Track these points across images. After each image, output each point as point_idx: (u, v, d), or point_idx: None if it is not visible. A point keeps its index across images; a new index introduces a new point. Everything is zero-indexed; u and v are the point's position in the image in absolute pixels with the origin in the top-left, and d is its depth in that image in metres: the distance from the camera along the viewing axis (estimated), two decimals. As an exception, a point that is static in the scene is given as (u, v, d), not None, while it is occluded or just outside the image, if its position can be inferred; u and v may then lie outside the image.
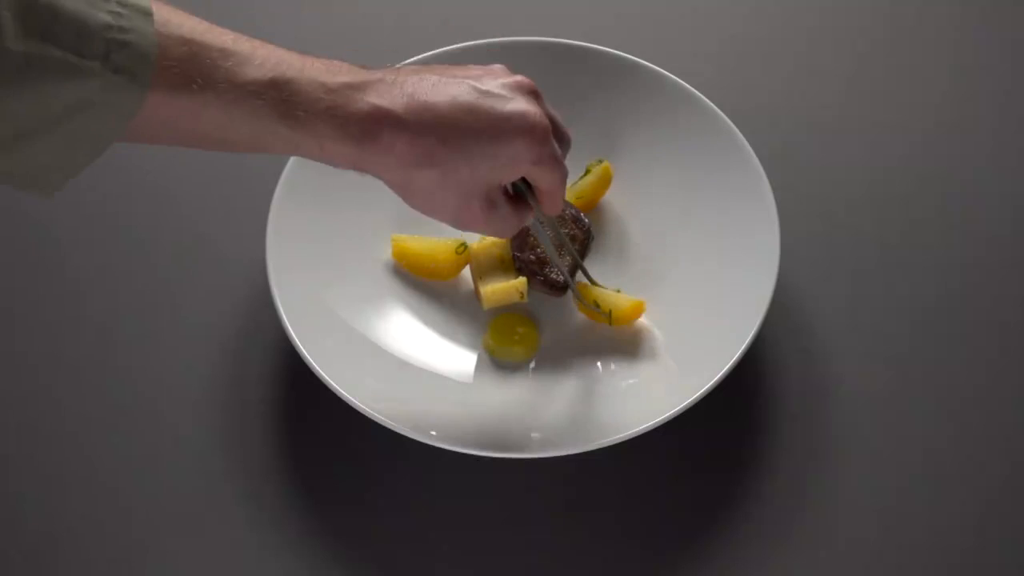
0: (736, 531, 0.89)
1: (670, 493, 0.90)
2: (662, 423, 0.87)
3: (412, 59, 1.03)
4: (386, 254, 0.99)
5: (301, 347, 0.90)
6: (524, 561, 0.88)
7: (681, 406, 0.87)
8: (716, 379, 0.88)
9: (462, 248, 0.98)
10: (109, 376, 0.96)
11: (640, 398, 0.91)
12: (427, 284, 0.99)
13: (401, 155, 0.76)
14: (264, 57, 0.74)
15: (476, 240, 0.99)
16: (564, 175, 0.83)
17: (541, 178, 0.81)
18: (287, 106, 0.74)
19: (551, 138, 0.80)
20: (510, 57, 1.04)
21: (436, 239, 0.99)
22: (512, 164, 0.79)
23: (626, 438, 0.86)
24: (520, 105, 0.79)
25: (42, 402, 0.95)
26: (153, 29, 0.69)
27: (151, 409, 0.94)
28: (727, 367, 0.88)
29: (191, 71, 0.71)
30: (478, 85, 0.79)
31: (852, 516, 0.90)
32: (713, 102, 1.01)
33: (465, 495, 0.91)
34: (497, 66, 0.82)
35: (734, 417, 0.93)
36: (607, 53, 1.04)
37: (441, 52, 1.04)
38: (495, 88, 0.79)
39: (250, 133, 0.74)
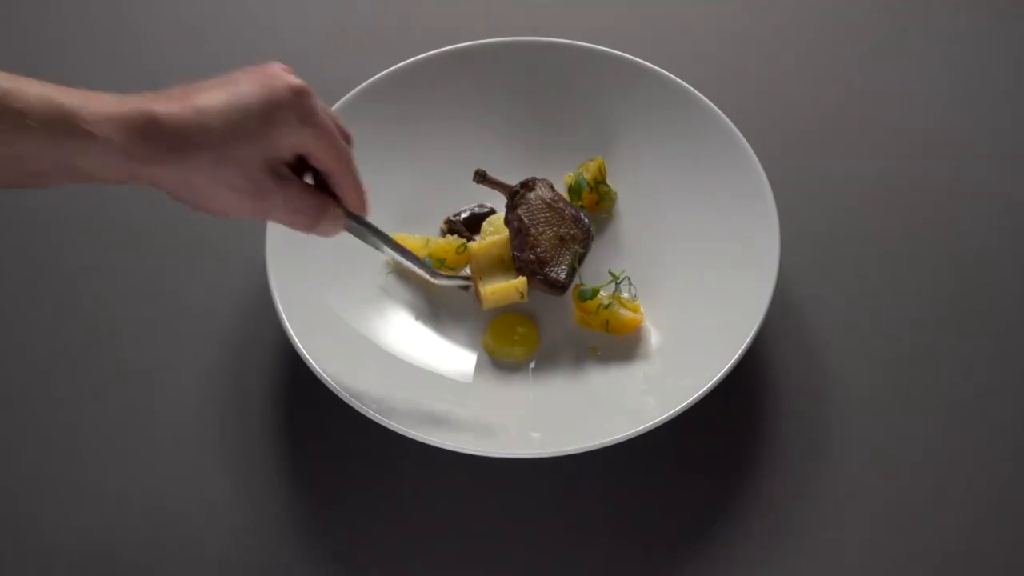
0: (735, 531, 0.89)
1: (670, 493, 0.90)
2: (662, 423, 0.87)
3: (410, 59, 1.03)
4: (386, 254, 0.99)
5: (301, 347, 0.89)
6: (524, 561, 0.88)
7: (681, 406, 0.87)
8: (716, 379, 0.88)
9: (462, 248, 0.98)
10: (108, 375, 0.96)
11: (640, 398, 0.91)
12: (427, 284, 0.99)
13: (170, 147, 0.75)
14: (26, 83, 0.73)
15: (476, 241, 0.99)
16: (342, 151, 0.82)
17: (316, 148, 0.81)
18: (31, 106, 0.72)
19: (313, 98, 0.80)
20: (510, 57, 1.05)
21: (436, 239, 0.99)
22: (278, 127, 0.78)
23: (626, 438, 0.86)
24: (275, 74, 0.79)
25: (40, 400, 0.95)
26: None
27: (151, 408, 0.94)
28: (727, 367, 0.88)
29: None
30: (230, 74, 0.79)
31: (852, 516, 0.90)
32: (713, 102, 1.01)
33: (465, 495, 0.91)
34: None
35: (734, 417, 0.93)
36: (607, 53, 1.04)
37: (441, 52, 1.04)
38: (249, 71, 0.79)
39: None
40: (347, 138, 0.85)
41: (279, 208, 0.81)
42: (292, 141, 0.80)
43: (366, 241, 0.89)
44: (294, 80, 0.79)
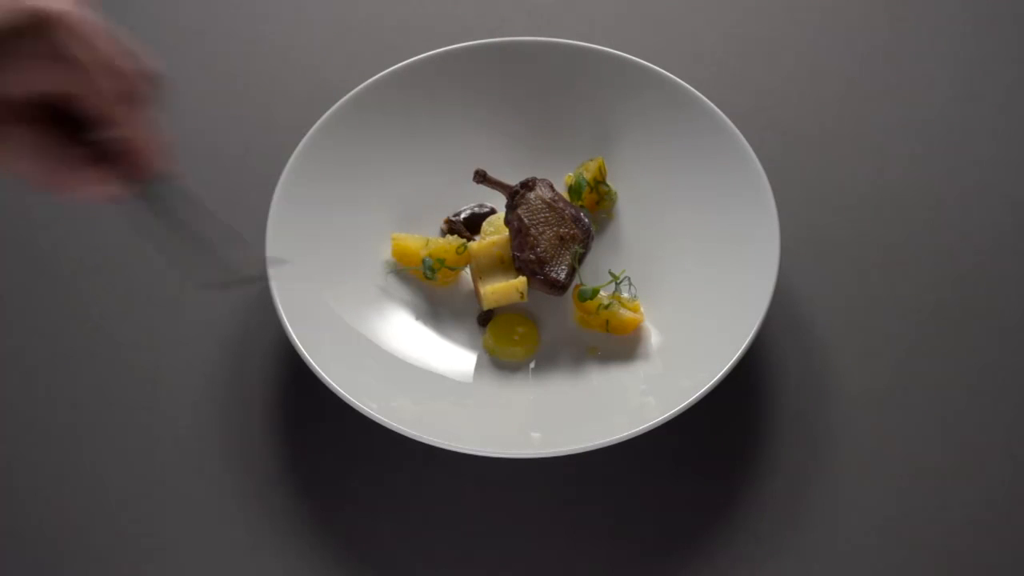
0: (735, 531, 0.89)
1: (670, 493, 0.90)
2: (662, 423, 0.87)
3: (410, 59, 1.03)
4: (386, 254, 0.99)
5: (301, 347, 0.90)
6: (523, 561, 0.88)
7: (681, 406, 0.87)
8: (716, 379, 0.88)
9: (462, 248, 0.98)
10: (109, 376, 0.96)
11: (640, 398, 0.91)
12: (427, 284, 0.99)
13: None
14: None
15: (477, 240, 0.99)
16: (112, 91, 0.63)
17: (71, 88, 0.61)
18: None
19: (71, 28, 0.62)
20: (510, 57, 1.05)
21: (436, 239, 0.99)
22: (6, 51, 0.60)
23: (626, 438, 0.86)
24: None
25: (41, 401, 0.95)
26: None
27: (151, 409, 0.94)
28: (727, 367, 0.88)
29: None
30: None
31: (852, 516, 0.90)
32: (713, 102, 1.01)
33: (465, 495, 0.91)
34: None
35: (734, 417, 0.93)
36: (607, 53, 1.04)
37: (441, 52, 1.04)
38: None
39: None
40: (147, 78, 0.66)
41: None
42: (27, 79, 0.62)
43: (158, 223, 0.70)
44: (51, 5, 0.60)
